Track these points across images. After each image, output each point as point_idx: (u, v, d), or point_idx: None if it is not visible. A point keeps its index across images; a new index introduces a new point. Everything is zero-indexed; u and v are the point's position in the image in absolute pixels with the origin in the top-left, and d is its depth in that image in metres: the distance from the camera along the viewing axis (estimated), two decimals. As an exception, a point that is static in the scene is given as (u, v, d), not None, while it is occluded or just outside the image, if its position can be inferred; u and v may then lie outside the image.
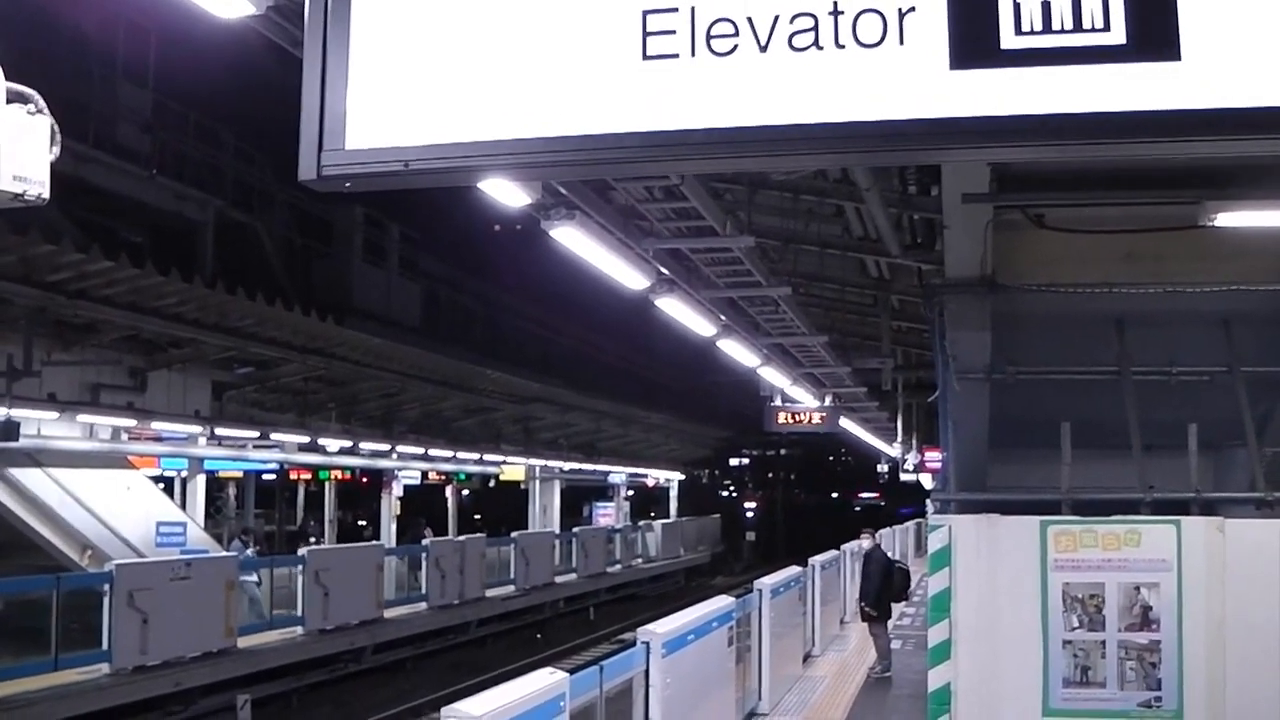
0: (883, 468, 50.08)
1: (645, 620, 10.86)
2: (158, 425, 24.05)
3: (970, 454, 13.03)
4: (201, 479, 27.14)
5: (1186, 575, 10.44)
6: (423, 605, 28.54)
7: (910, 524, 42.69)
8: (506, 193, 9.19)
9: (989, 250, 11.22)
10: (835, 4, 3.76)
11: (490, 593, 31.98)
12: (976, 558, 10.83)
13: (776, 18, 3.79)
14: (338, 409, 31.67)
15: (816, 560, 20.79)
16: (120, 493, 23.14)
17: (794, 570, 18.35)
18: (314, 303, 26.21)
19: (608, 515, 54.91)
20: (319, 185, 4.17)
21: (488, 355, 35.70)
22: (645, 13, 3.91)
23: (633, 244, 12.61)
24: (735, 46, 3.80)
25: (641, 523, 52.40)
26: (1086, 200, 10.61)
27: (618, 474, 54.47)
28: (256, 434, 27.42)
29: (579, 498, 55.77)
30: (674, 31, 3.86)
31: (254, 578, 23.76)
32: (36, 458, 21.27)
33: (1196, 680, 10.40)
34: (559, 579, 37.73)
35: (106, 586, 17.95)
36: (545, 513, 47.53)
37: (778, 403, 26.86)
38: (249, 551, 26.69)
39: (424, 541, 30.93)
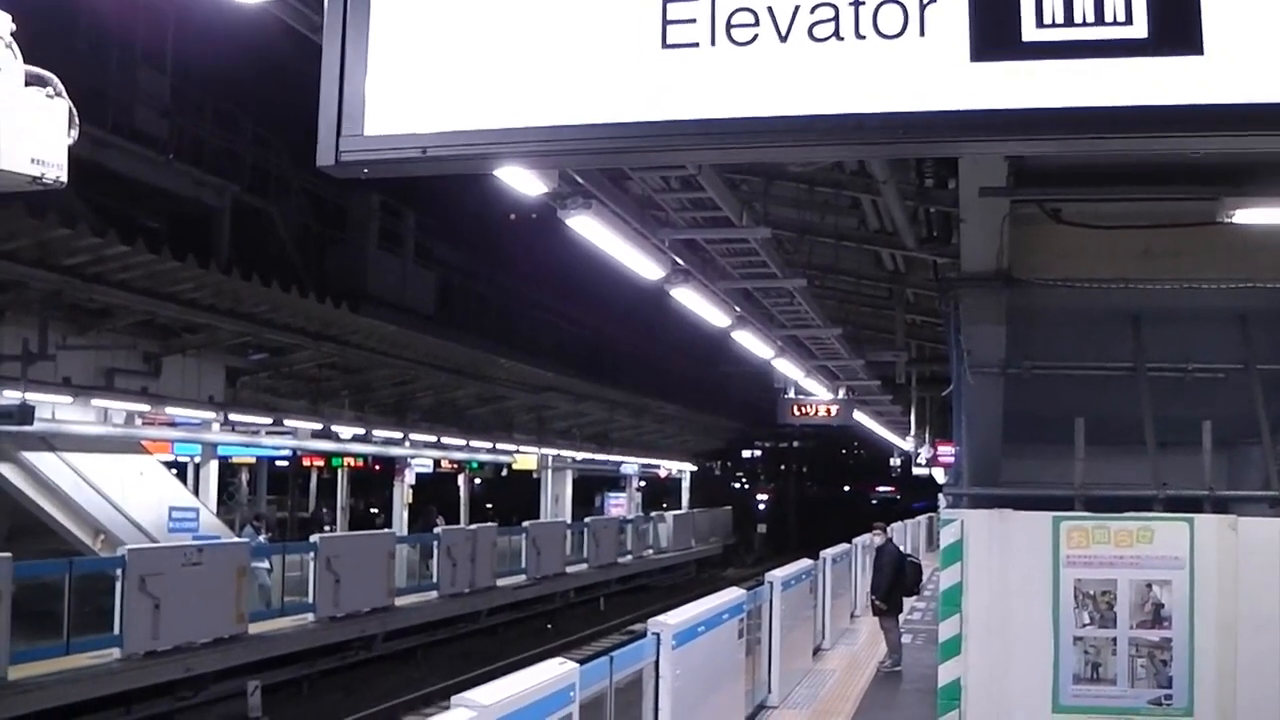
0: (895, 461, 50.09)
1: (656, 611, 10.84)
2: (171, 410, 24.09)
3: (983, 449, 12.99)
4: (214, 464, 27.20)
5: (1199, 573, 10.42)
6: (434, 594, 28.56)
7: (922, 518, 42.59)
8: (523, 181, 9.18)
9: (1005, 244, 11.19)
10: (856, -6, 3.75)
11: (501, 582, 32.01)
12: (988, 553, 10.81)
13: (797, 8, 3.78)
14: (351, 396, 31.71)
15: (828, 553, 20.79)
16: (133, 477, 23.18)
17: (805, 563, 18.34)
18: (329, 289, 26.21)
19: (619, 506, 54.97)
20: (337, 171, 4.16)
21: (502, 344, 35.68)
22: (665, 1, 3.90)
23: (649, 234, 12.60)
24: (755, 36, 3.79)
25: (653, 514, 52.40)
26: (1104, 195, 10.58)
27: (630, 464, 54.49)
28: (270, 420, 27.46)
29: (591, 488, 55.82)
30: (694, 20, 3.84)
31: (265, 564, 23.80)
32: (50, 442, 21.32)
33: (1207, 678, 10.38)
34: (570, 569, 37.74)
35: (119, 571, 17.99)
36: (557, 502, 47.58)
37: (791, 395, 26.82)
38: (261, 538, 26.74)
39: (435, 530, 30.94)
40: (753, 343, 19.53)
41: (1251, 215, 9.26)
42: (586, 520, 42.35)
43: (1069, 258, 11.81)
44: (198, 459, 27.33)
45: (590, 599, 39.78)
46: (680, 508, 59.39)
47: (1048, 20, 3.61)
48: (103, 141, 22.47)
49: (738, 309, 17.20)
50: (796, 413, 27.10)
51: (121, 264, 19.55)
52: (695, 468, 64.28)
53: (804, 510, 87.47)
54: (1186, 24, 3.53)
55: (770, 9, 3.80)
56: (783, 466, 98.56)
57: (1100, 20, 3.58)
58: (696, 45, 3.84)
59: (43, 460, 21.29)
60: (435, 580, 28.83)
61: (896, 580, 19.13)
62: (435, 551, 29.16)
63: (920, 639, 20.13)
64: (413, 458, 36.07)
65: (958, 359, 12.78)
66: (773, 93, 3.77)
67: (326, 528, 35.29)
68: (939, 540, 11.62)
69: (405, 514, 35.96)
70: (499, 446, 40.02)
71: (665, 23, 3.87)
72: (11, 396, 18.93)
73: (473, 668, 24.81)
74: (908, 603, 20.70)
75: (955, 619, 10.89)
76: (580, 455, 47.36)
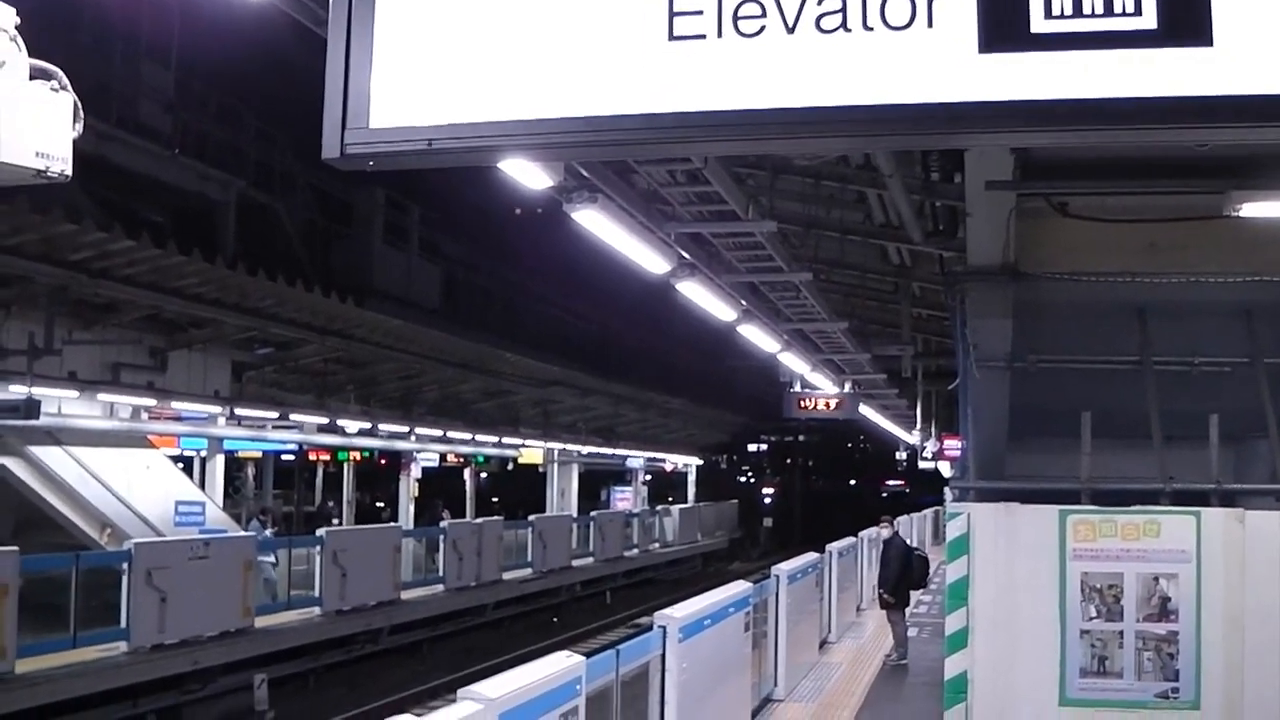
0: (901, 455, 50.07)
1: (662, 605, 10.85)
2: (177, 405, 24.11)
3: (990, 442, 13.00)
4: (220, 459, 27.20)
5: (1206, 566, 10.42)
6: (440, 587, 28.57)
7: (928, 511, 42.59)
8: (529, 174, 9.16)
9: (1011, 238, 11.18)
10: (863, -15, 3.73)
11: (507, 575, 32.00)
12: (995, 546, 10.81)
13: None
14: (357, 390, 31.71)
15: (834, 547, 20.78)
16: (140, 472, 23.19)
17: (811, 556, 18.34)
18: (334, 284, 26.24)
19: (625, 500, 54.98)
20: (343, 164, 4.16)
21: (507, 338, 35.72)
22: (673, -8, 3.88)
23: (654, 228, 12.58)
24: (762, 28, 3.77)
25: (659, 507, 52.41)
26: (1110, 189, 10.57)
27: (636, 458, 54.50)
28: (276, 414, 27.45)
29: (597, 482, 55.84)
30: (701, 12, 3.82)
31: (271, 558, 23.81)
32: (57, 436, 21.34)
33: (1214, 671, 10.38)
34: (576, 563, 37.73)
35: (125, 565, 17.99)
36: (563, 496, 47.57)
37: (797, 389, 26.81)
38: (267, 532, 26.77)
39: (441, 524, 30.93)
40: (759, 337, 19.51)
41: (1258, 209, 9.26)
42: (592, 514, 42.34)
43: (1075, 251, 11.81)
44: (204, 453, 27.33)
45: (596, 593, 39.78)
46: (686, 502, 59.39)
47: (1057, 11, 3.58)
48: (107, 135, 22.50)
49: (744, 303, 17.18)
50: (802, 406, 27.09)
51: (127, 259, 19.55)
52: (701, 462, 64.27)
53: (809, 504, 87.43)
54: (1196, 15, 3.51)
55: (778, 0, 3.78)
56: (788, 460, 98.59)
57: (1109, 11, 3.55)
58: (703, 37, 3.82)
59: (49, 455, 21.31)
60: (441, 574, 28.83)
61: (904, 574, 19.13)
62: (441, 545, 29.16)
63: (926, 632, 20.13)
64: (418, 452, 36.08)
65: (964, 353, 12.78)
66: (780, 85, 3.75)
67: (333, 522, 35.29)
68: (945, 534, 11.61)
69: (411, 508, 35.97)
70: (505, 440, 40.00)
71: (672, 14, 3.85)
72: (18, 391, 18.93)
73: (479, 661, 24.85)
74: (914, 596, 20.69)
75: (962, 612, 10.89)
76: (586, 449, 47.35)
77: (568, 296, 46.12)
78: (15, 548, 16.61)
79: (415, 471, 36.42)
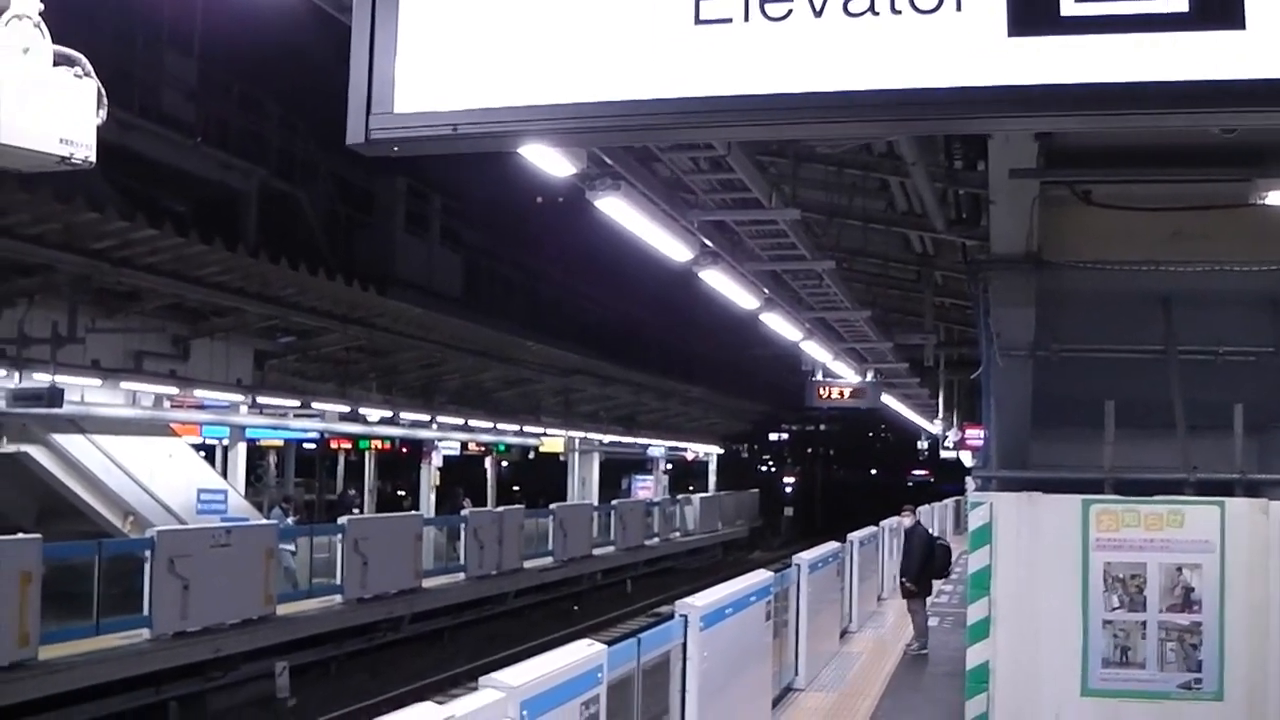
0: (922, 444, 50.00)
1: (683, 594, 10.82)
2: (200, 393, 24.19)
3: (1012, 431, 12.96)
4: (242, 447, 27.33)
5: (1229, 557, 10.37)
6: (461, 576, 28.59)
7: (949, 501, 42.50)
8: (552, 162, 9.13)
9: (1035, 226, 11.12)
10: (891, -31, 3.71)
11: (528, 564, 32.02)
12: (1017, 536, 10.78)
13: (831, -18, 3.74)
14: (378, 379, 31.78)
15: (855, 536, 20.77)
16: (162, 460, 23.30)
17: (832, 546, 18.32)
18: (356, 273, 26.25)
19: (646, 488, 55.00)
20: (367, 149, 4.15)
21: (528, 326, 35.69)
22: (699, -24, 3.86)
23: (677, 215, 12.55)
24: (790, 11, 3.75)
25: (680, 496, 52.41)
26: (1135, 177, 10.52)
27: (657, 447, 54.53)
28: (298, 403, 27.54)
29: (618, 471, 55.87)
30: (728, -5, 3.81)
31: (291, 547, 23.87)
32: (80, 424, 21.44)
33: (1238, 663, 10.34)
34: (597, 551, 37.75)
35: (148, 553, 18.06)
36: (584, 485, 47.63)
37: (819, 378, 26.75)
38: (288, 520, 26.83)
39: (463, 512, 30.97)
40: (781, 325, 19.46)
41: (1284, 197, 9.20)
42: (613, 503, 42.33)
43: (1099, 240, 11.75)
44: (226, 441, 27.45)
45: (617, 581, 39.81)
46: (707, 490, 59.41)
47: (1086, -6, 3.56)
48: (129, 124, 22.51)
49: (766, 291, 17.14)
50: (824, 395, 27.04)
51: (149, 247, 19.60)
52: (722, 450, 64.32)
53: (830, 493, 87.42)
54: (1228, -3, 3.48)
55: (805, -16, 3.75)
56: (809, 450, 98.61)
57: (1140, -6, 3.53)
58: (730, 21, 3.81)
59: (72, 443, 21.41)
60: (462, 562, 28.84)
61: (927, 562, 19.13)
62: (462, 534, 29.19)
63: (947, 622, 20.11)
64: (440, 440, 36.16)
65: (987, 341, 12.75)
66: (807, 69, 3.74)
67: (354, 510, 35.40)
68: (967, 523, 11.59)
69: (432, 496, 36.07)
70: (526, 429, 40.08)
71: (699, -3, 3.83)
72: (41, 379, 19.03)
73: (500, 649, 24.86)
74: (935, 585, 20.68)
75: (984, 602, 10.86)
76: (607, 438, 47.41)
77: (589, 285, 46.05)
78: (39, 535, 16.70)
79: (436, 460, 36.52)
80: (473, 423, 36.09)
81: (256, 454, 34.18)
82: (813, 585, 15.77)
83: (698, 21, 3.83)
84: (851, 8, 3.70)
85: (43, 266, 18.68)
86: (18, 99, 4.51)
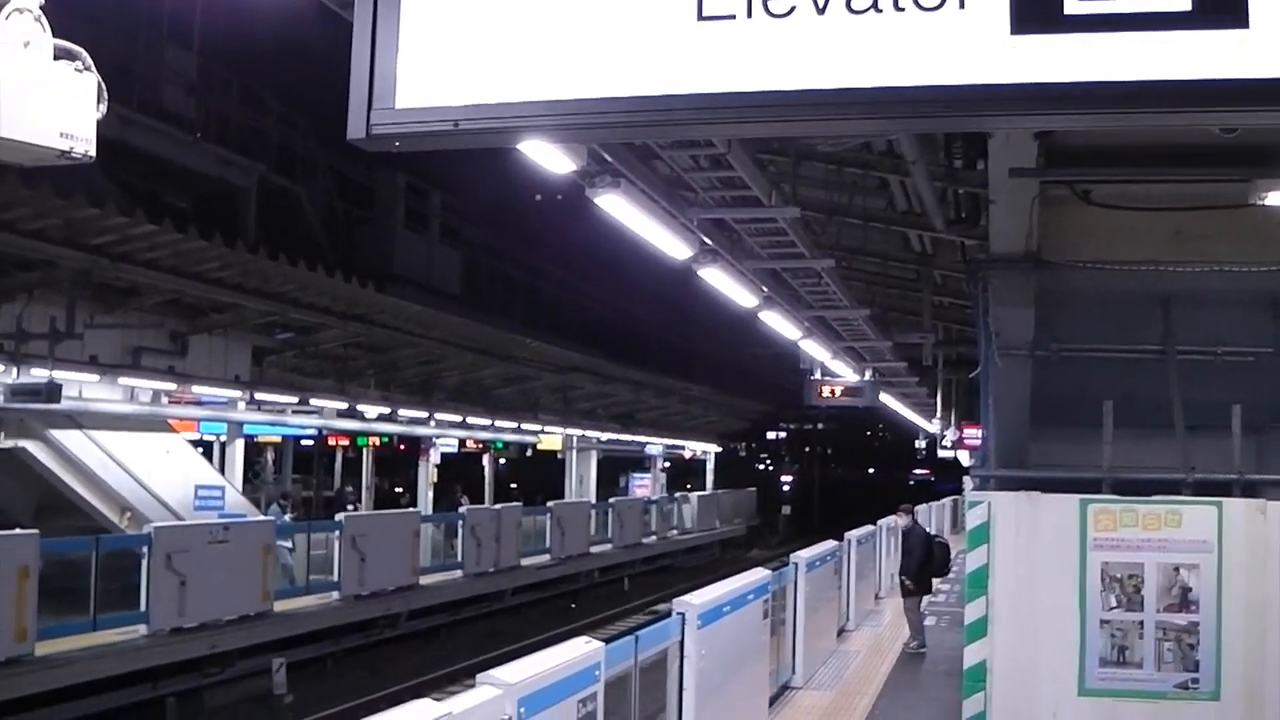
0: (920, 443, 50.03)
1: (680, 592, 10.82)
2: (198, 389, 24.15)
3: (1011, 431, 12.96)
4: (240, 443, 27.27)
5: (1227, 557, 10.39)
6: (458, 573, 28.57)
7: (946, 500, 42.50)
8: (552, 159, 9.12)
9: (1034, 225, 11.13)
10: (894, -34, 3.71)
11: (525, 561, 31.96)
12: (1015, 535, 10.79)
13: (835, -21, 3.73)
14: (377, 375, 31.75)
15: (852, 535, 20.77)
16: (160, 456, 23.27)
17: (830, 544, 18.32)
18: (355, 269, 26.27)
19: (644, 486, 54.97)
20: (368, 144, 4.15)
21: (527, 324, 35.75)
22: (702, -27, 3.86)
23: (677, 213, 12.54)
24: (793, 8, 3.75)
25: (678, 494, 52.40)
26: (1135, 177, 10.53)
27: (655, 445, 54.51)
28: (296, 399, 27.49)
29: (616, 468, 55.86)
30: (731, -9, 3.80)
31: (288, 544, 23.86)
32: (78, 420, 21.42)
33: (1235, 663, 10.35)
34: (594, 549, 37.70)
35: (145, 548, 18.03)
36: (582, 483, 47.60)
37: (818, 376, 26.73)
38: (286, 516, 26.82)
39: (460, 509, 30.94)
40: (780, 324, 19.45)
41: (1284, 197, 9.20)
42: (611, 501, 42.31)
43: (1099, 239, 11.77)
44: (223, 438, 27.40)
45: (615, 579, 39.77)
46: (705, 489, 59.40)
47: (1089, -8, 3.56)
48: (129, 120, 22.52)
49: (765, 289, 17.13)
50: (822, 394, 27.02)
51: (149, 243, 19.58)
52: (720, 449, 64.27)
53: (828, 492, 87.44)
54: (1231, -4, 3.48)
55: (808, -20, 3.75)
56: (807, 448, 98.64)
57: (1143, -8, 3.53)
58: (733, 17, 3.81)
59: (70, 438, 21.39)
60: (460, 559, 28.81)
61: (926, 561, 19.15)
62: (460, 531, 29.15)
63: (944, 621, 20.12)
64: (438, 437, 36.11)
65: (985, 341, 12.75)
66: (810, 66, 3.74)
67: (351, 507, 35.36)
68: (964, 522, 11.59)
69: (430, 493, 36.01)
70: (524, 427, 40.04)
71: (701, -7, 3.83)
72: (39, 375, 19.00)
73: (497, 646, 24.88)
74: (934, 583, 20.70)
75: (981, 601, 10.87)
76: (605, 436, 47.37)
77: (588, 282, 46.14)
78: (36, 530, 16.69)
79: (434, 457, 36.45)
80: (471, 420, 36.05)
81: (254, 450, 34.12)
82: (810, 584, 15.78)
83: (700, 18, 3.83)
84: (854, 5, 3.71)
85: (42, 262, 18.66)
86: (18, 93, 4.50)
